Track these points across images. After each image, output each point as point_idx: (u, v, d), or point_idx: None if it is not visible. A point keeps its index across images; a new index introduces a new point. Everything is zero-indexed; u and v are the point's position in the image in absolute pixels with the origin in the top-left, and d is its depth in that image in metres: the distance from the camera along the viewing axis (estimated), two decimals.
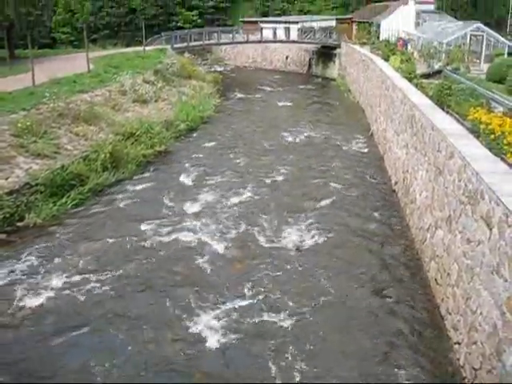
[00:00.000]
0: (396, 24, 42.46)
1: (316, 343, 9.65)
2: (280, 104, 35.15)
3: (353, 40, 47.26)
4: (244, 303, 10.88)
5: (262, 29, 48.44)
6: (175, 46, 42.94)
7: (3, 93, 20.38)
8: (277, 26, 51.48)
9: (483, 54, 32.14)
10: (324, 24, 50.51)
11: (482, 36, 32.59)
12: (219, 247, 13.41)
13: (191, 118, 26.72)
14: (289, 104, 35.23)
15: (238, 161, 21.23)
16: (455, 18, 46.09)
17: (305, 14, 64.69)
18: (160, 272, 12.16)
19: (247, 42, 47.86)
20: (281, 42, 50.04)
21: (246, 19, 62.38)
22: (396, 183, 17.72)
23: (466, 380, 8.48)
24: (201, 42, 46.20)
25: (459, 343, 9.10)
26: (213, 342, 9.66)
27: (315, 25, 49.44)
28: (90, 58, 28.67)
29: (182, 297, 11.09)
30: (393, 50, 33.53)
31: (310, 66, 51.38)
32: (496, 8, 58.03)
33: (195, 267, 12.39)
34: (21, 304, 10.73)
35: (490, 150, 10.94)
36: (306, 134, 25.75)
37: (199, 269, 12.33)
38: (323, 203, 16.39)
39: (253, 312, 10.56)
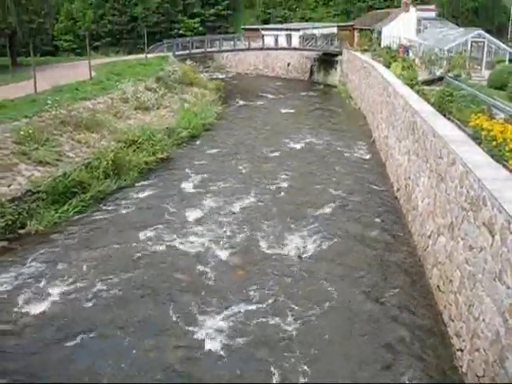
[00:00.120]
0: (397, 31, 42.53)
1: (318, 350, 9.61)
2: (282, 111, 35.20)
3: (354, 47, 47.31)
4: (246, 309, 10.86)
5: (263, 36, 48.52)
6: (177, 53, 43.09)
7: (5, 100, 20.46)
8: (278, 33, 51.58)
9: (484, 60, 32.16)
10: (325, 31, 50.58)
11: (483, 43, 32.64)
12: (221, 254, 13.40)
13: (193, 126, 26.73)
14: (291, 111, 35.27)
15: (240, 167, 21.25)
16: (456, 24, 46.16)
17: (306, 21, 64.82)
18: (162, 279, 12.14)
19: (249, 49, 47.92)
20: (282, 49, 50.10)
21: (247, 27, 62.51)
22: (398, 190, 17.71)
23: None
24: (202, 50, 46.28)
25: (462, 350, 9.06)
26: (215, 346, 9.66)
27: (317, 32, 49.49)
28: (92, 66, 28.78)
29: (184, 303, 11.07)
30: (394, 57, 33.60)
31: (311, 72, 51.46)
32: (497, 15, 58.22)
33: (197, 274, 12.38)
34: (23, 311, 10.72)
35: (492, 156, 10.93)
36: (307, 141, 25.77)
37: (201, 275, 12.31)
38: (325, 210, 16.38)
39: (255, 318, 10.54)
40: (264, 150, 24.17)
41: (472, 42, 32.79)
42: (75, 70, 31.15)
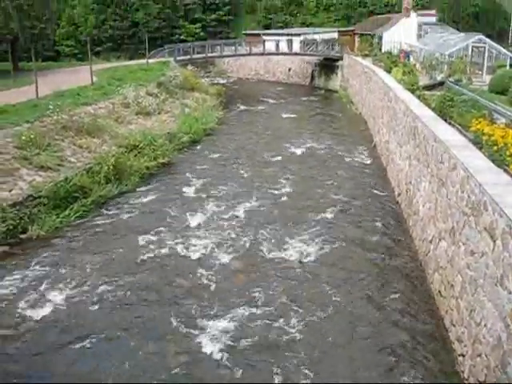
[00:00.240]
0: (398, 36, 42.65)
1: (319, 355, 9.60)
2: (283, 115, 35.23)
3: (355, 52, 47.46)
4: (248, 312, 10.86)
5: (264, 41, 48.67)
6: (178, 58, 43.19)
7: (7, 105, 20.50)
8: (279, 38, 51.76)
9: (485, 65, 32.23)
10: (326, 36, 50.74)
11: (484, 47, 32.71)
12: (223, 258, 13.39)
13: (194, 130, 26.77)
14: (292, 115, 35.30)
15: (241, 172, 21.27)
16: (457, 29, 46.36)
17: (307, 26, 65.06)
18: (164, 283, 12.14)
19: (250, 54, 48.05)
20: (283, 54, 50.26)
21: (248, 32, 62.71)
22: (399, 194, 17.71)
23: None
24: (204, 55, 46.44)
25: (463, 355, 9.04)
26: (218, 347, 9.73)
27: (317, 37, 49.66)
28: (93, 71, 28.84)
29: (186, 307, 11.06)
30: (395, 62, 33.68)
31: (312, 77, 51.55)
32: (497, 20, 58.47)
33: (199, 278, 12.36)
34: (25, 315, 10.71)
35: (493, 161, 10.93)
36: (309, 146, 25.79)
37: (203, 280, 12.29)
38: (326, 214, 16.37)
39: (258, 320, 10.56)
40: (265, 154, 24.19)
41: (473, 46, 32.87)
42: (77, 75, 31.24)
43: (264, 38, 51.55)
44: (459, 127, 15.94)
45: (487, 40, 33.36)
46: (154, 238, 14.53)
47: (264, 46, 47.62)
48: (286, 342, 9.98)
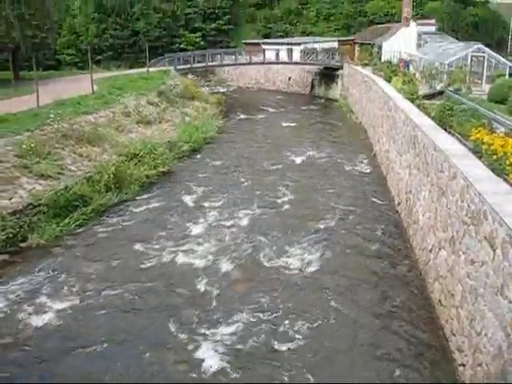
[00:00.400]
0: (398, 45, 42.76)
1: (320, 364, 9.58)
2: (283, 124, 35.27)
3: (355, 61, 47.57)
4: (248, 320, 10.86)
5: (264, 50, 48.83)
6: (178, 67, 43.33)
7: (8, 114, 20.52)
8: (279, 47, 51.93)
9: (484, 74, 32.26)
10: (326, 45, 50.84)
11: (483, 57, 32.74)
12: (223, 266, 13.40)
13: (194, 139, 26.83)
14: (292, 124, 35.35)
15: (241, 180, 21.29)
16: (456, 38, 46.47)
17: (307, 35, 65.17)
18: (163, 292, 12.13)
19: (250, 63, 48.21)
20: (283, 63, 50.41)
21: (248, 41, 62.88)
22: (399, 204, 17.71)
23: None
24: (204, 64, 46.57)
25: (464, 365, 9.02)
26: (220, 351, 9.80)
27: (317, 46, 49.78)
28: (94, 80, 28.92)
29: (185, 316, 11.06)
30: (395, 71, 33.75)
31: (312, 86, 51.66)
32: (496, 29, 58.65)
33: (198, 287, 12.36)
34: (24, 324, 10.71)
35: (493, 170, 10.95)
36: (309, 154, 25.82)
37: (203, 288, 12.29)
38: (327, 223, 16.38)
39: (258, 327, 10.56)
40: (265, 163, 24.22)
41: (472, 56, 32.89)
42: (77, 84, 31.32)
43: (264, 47, 51.75)
44: (459, 136, 15.96)
45: (486, 49, 33.41)
46: (154, 246, 14.53)
47: (264, 55, 47.80)
48: (287, 348, 9.98)
